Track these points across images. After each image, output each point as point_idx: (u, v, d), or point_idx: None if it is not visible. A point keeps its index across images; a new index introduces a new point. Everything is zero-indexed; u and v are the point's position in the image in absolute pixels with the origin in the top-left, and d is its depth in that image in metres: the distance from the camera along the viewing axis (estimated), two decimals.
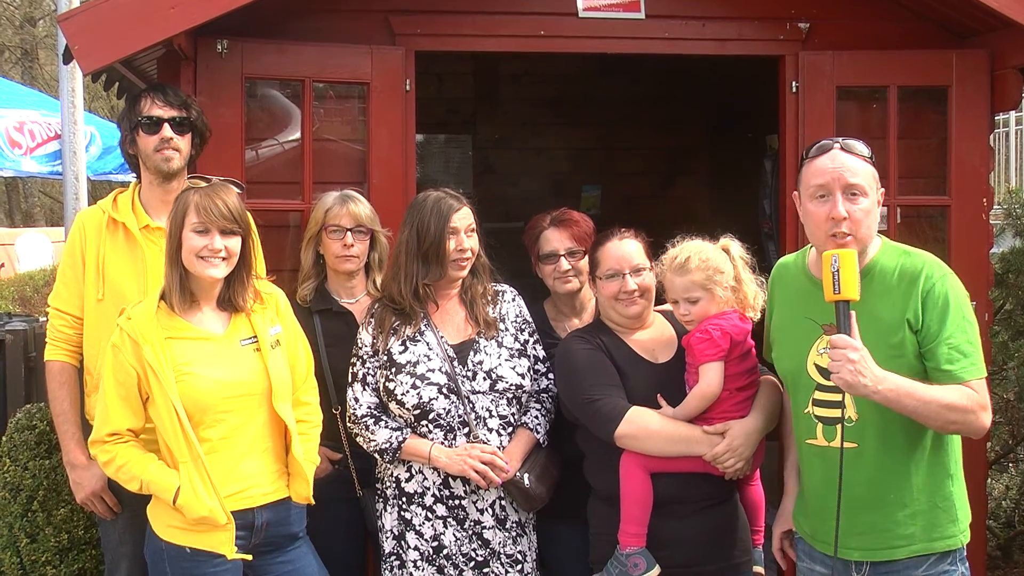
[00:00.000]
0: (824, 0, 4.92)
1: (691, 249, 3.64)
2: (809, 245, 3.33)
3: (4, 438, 4.35)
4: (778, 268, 3.49)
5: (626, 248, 3.76)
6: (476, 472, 3.69)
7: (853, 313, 3.01)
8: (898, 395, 2.98)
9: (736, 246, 3.71)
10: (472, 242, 3.85)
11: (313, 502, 3.60)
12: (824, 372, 3.12)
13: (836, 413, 3.12)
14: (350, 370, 3.88)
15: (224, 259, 3.44)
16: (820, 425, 3.20)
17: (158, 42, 4.14)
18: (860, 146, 3.18)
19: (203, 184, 3.49)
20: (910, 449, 3.14)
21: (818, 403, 3.20)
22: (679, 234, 3.72)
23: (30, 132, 8.29)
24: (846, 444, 3.07)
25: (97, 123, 9.84)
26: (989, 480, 5.80)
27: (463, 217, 3.82)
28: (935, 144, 4.97)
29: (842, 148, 3.15)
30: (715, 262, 3.62)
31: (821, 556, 3.25)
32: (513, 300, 3.99)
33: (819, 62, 4.82)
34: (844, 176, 3.10)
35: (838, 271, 2.99)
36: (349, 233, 4.08)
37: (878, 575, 3.18)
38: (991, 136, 5.00)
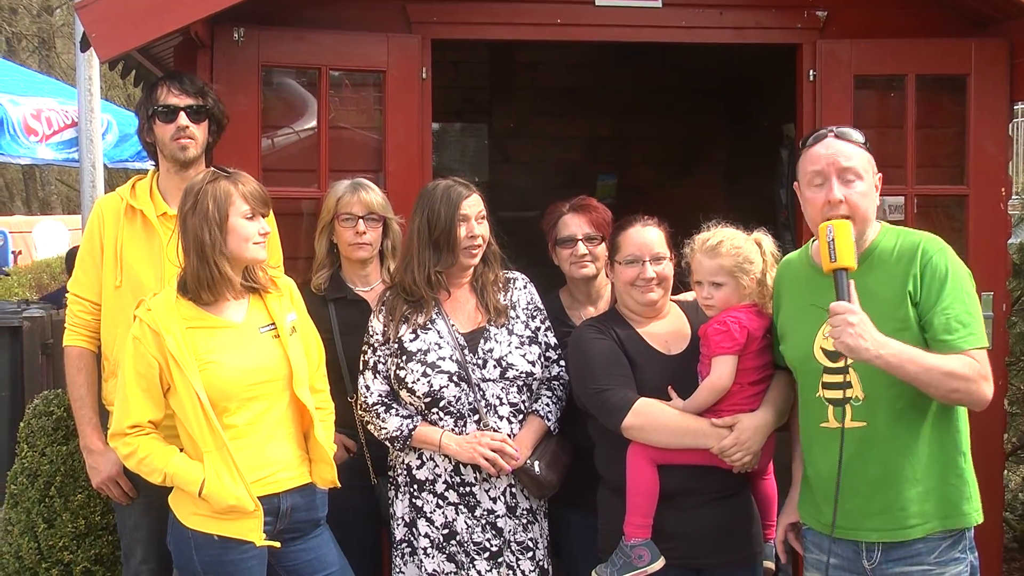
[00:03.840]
0: None
1: (724, 234, 3.63)
2: (813, 239, 3.34)
3: (22, 424, 4.37)
4: (783, 265, 3.52)
5: (648, 235, 3.76)
6: (486, 460, 3.70)
7: (852, 281, 3.05)
8: (900, 360, 3.00)
9: (768, 241, 3.68)
10: (483, 229, 3.85)
11: (339, 484, 3.61)
12: (831, 355, 3.16)
13: (843, 394, 3.15)
14: (361, 358, 3.89)
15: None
16: (831, 407, 3.20)
17: (175, 30, 4.15)
18: (854, 133, 3.26)
19: (223, 174, 3.49)
20: (920, 425, 3.16)
21: (827, 385, 3.21)
22: (705, 222, 3.70)
23: (47, 120, 8.31)
24: (855, 424, 3.12)
25: (114, 111, 9.86)
26: (1006, 472, 5.78)
27: (473, 204, 3.82)
28: (953, 133, 4.94)
29: (836, 135, 3.23)
30: (746, 251, 3.60)
31: (832, 543, 3.24)
32: (524, 287, 3.99)
33: (837, 50, 4.80)
34: (838, 161, 3.17)
35: (833, 240, 3.06)
36: (361, 221, 4.09)
37: (889, 560, 3.17)
38: (1009, 125, 4.97)
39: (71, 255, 6.31)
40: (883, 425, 3.15)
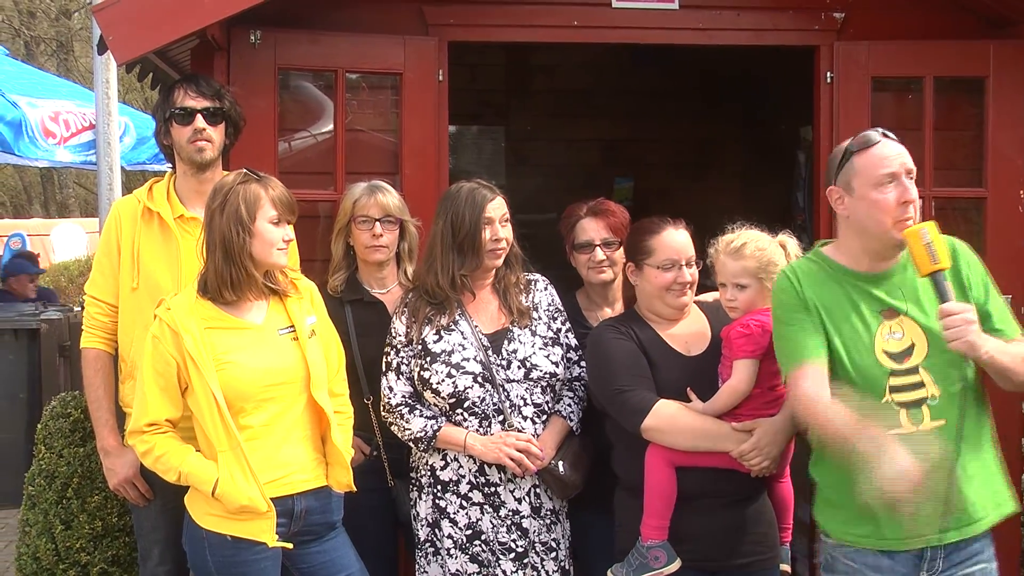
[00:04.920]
0: None
1: (749, 236, 3.62)
2: (819, 244, 3.36)
3: (39, 426, 4.39)
4: (803, 274, 3.31)
5: (682, 238, 3.75)
6: (512, 460, 3.70)
7: (948, 282, 3.09)
8: (998, 352, 3.06)
9: (793, 244, 3.66)
10: (507, 232, 3.85)
11: (355, 488, 3.61)
12: (896, 357, 3.15)
13: (918, 395, 3.12)
14: (384, 359, 3.89)
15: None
16: (903, 411, 3.13)
17: (192, 33, 4.16)
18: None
19: (254, 177, 3.50)
20: (982, 419, 3.21)
21: (896, 389, 3.15)
22: (729, 224, 3.68)
23: (65, 122, 8.34)
24: (936, 423, 3.11)
25: (131, 114, 9.90)
26: (1023, 475, 5.74)
27: (497, 207, 3.83)
28: (971, 136, 4.92)
29: (892, 138, 3.23)
30: (771, 254, 3.58)
31: (887, 557, 3.16)
32: (545, 289, 3.99)
33: (854, 52, 4.78)
34: (907, 161, 3.20)
35: (931, 243, 3.07)
36: (378, 223, 4.09)
37: (953, 566, 3.15)
38: None
39: None
40: (957, 421, 3.14)
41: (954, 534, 3.13)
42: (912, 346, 3.16)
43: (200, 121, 3.92)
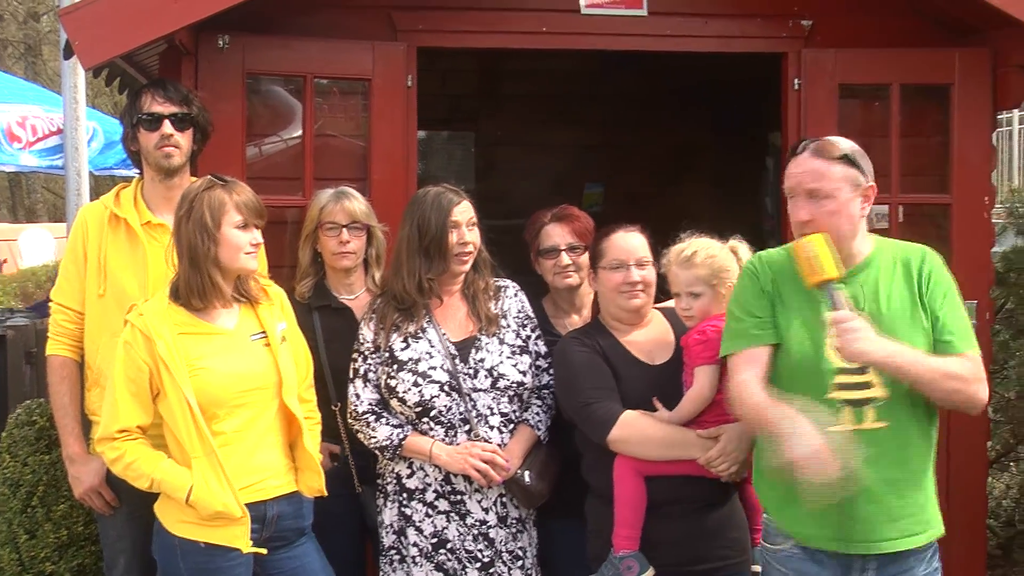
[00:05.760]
0: None
1: (698, 244, 3.64)
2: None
3: (4, 433, 4.34)
4: (773, 264, 3.33)
5: (632, 240, 3.77)
6: (476, 471, 3.69)
7: (842, 291, 3.08)
8: (905, 362, 3.03)
9: (744, 248, 3.70)
10: (474, 236, 3.85)
11: (326, 493, 3.60)
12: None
13: (865, 395, 3.11)
14: (351, 366, 3.87)
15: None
16: (847, 409, 3.12)
17: (159, 37, 4.14)
18: (834, 148, 3.19)
19: (218, 182, 3.48)
20: (928, 427, 3.21)
21: (844, 387, 3.14)
22: (684, 231, 3.71)
23: (32, 127, 8.27)
24: (878, 424, 3.11)
25: (99, 118, 9.81)
26: (990, 479, 5.80)
27: (464, 211, 3.82)
28: (937, 142, 4.97)
29: (813, 151, 3.18)
30: (721, 260, 3.61)
31: (829, 558, 3.17)
32: (515, 295, 3.98)
33: (821, 59, 4.82)
34: (804, 180, 3.16)
35: (814, 256, 3.07)
36: (345, 230, 4.08)
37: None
38: (993, 134, 4.99)
39: None
40: (904, 424, 3.15)
41: (889, 544, 3.12)
42: None
43: (168, 127, 3.89)
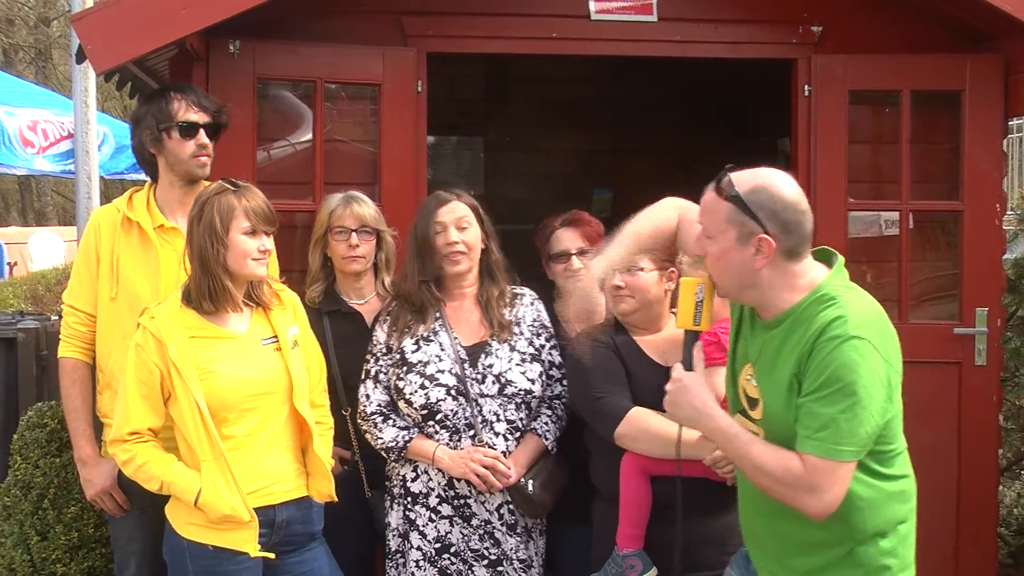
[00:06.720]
0: (837, 3, 4.91)
1: None
2: None
3: (15, 436, 4.35)
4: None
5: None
6: (477, 476, 3.70)
7: (697, 344, 2.90)
8: (721, 438, 2.80)
9: None
10: (467, 235, 3.84)
11: (336, 498, 3.60)
12: (749, 401, 2.94)
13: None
14: (364, 367, 3.89)
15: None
16: None
17: (171, 42, 4.16)
18: (730, 184, 2.78)
19: (230, 187, 3.49)
20: None
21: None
22: None
23: (43, 131, 8.32)
24: None
25: (110, 123, 9.87)
26: (1000, 487, 5.78)
27: (451, 211, 3.83)
28: (948, 149, 4.96)
29: (715, 186, 2.83)
30: None
31: None
32: (532, 304, 3.97)
33: (832, 66, 4.82)
34: (700, 213, 2.90)
35: (702, 301, 2.87)
36: (354, 234, 4.09)
37: None
38: (1004, 141, 4.98)
39: None
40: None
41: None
42: (758, 400, 2.91)
43: (203, 136, 3.89)
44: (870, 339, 2.64)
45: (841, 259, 2.86)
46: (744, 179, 2.77)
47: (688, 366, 2.89)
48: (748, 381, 2.92)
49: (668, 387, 2.87)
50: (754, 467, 2.73)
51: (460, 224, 3.83)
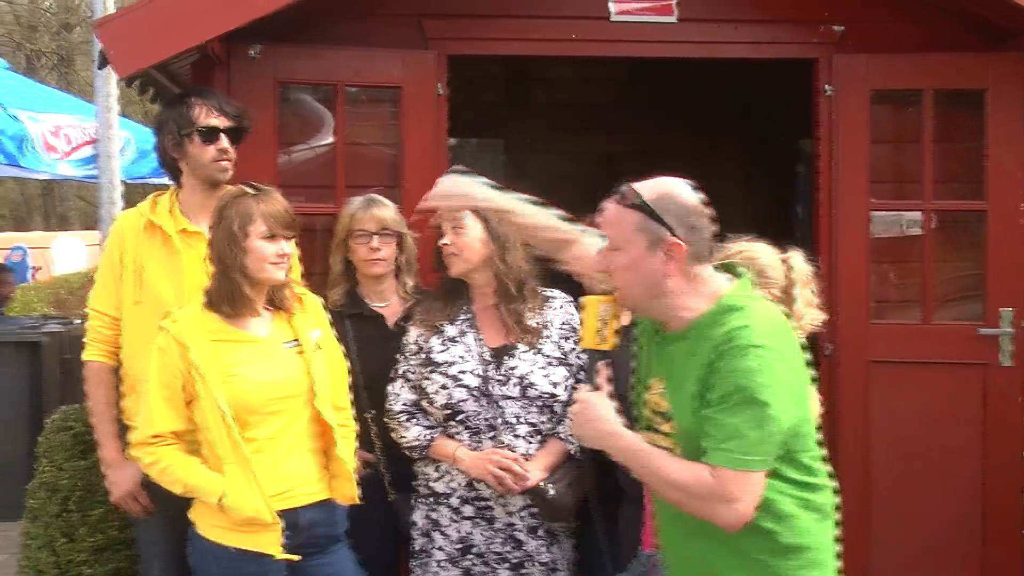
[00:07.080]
0: (858, 2, 4.90)
1: (742, 245, 3.58)
2: None
3: (40, 439, 4.39)
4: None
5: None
6: (494, 477, 3.70)
7: (602, 363, 2.82)
8: (627, 457, 2.70)
9: (799, 259, 3.54)
10: (459, 238, 3.80)
11: (359, 500, 3.61)
12: (662, 415, 2.82)
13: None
14: (395, 365, 3.92)
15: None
16: None
17: (192, 47, 4.18)
18: (632, 192, 2.79)
19: (249, 191, 3.50)
20: None
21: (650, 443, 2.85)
22: (746, 237, 3.64)
23: (66, 136, 8.35)
24: None
25: (132, 127, 9.90)
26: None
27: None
28: (971, 148, 4.93)
29: (615, 194, 2.83)
30: (763, 263, 3.48)
31: None
32: (562, 307, 3.95)
33: (853, 65, 4.80)
34: (602, 226, 2.88)
35: (605, 320, 2.82)
36: (375, 237, 4.10)
37: None
38: None
39: None
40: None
41: None
42: (671, 413, 2.81)
43: (224, 141, 3.90)
44: (774, 348, 2.61)
45: (748, 272, 2.85)
46: (647, 187, 2.80)
47: (597, 386, 2.81)
48: (657, 395, 2.84)
49: (572, 408, 2.82)
50: (665, 483, 2.66)
51: (454, 227, 3.82)
